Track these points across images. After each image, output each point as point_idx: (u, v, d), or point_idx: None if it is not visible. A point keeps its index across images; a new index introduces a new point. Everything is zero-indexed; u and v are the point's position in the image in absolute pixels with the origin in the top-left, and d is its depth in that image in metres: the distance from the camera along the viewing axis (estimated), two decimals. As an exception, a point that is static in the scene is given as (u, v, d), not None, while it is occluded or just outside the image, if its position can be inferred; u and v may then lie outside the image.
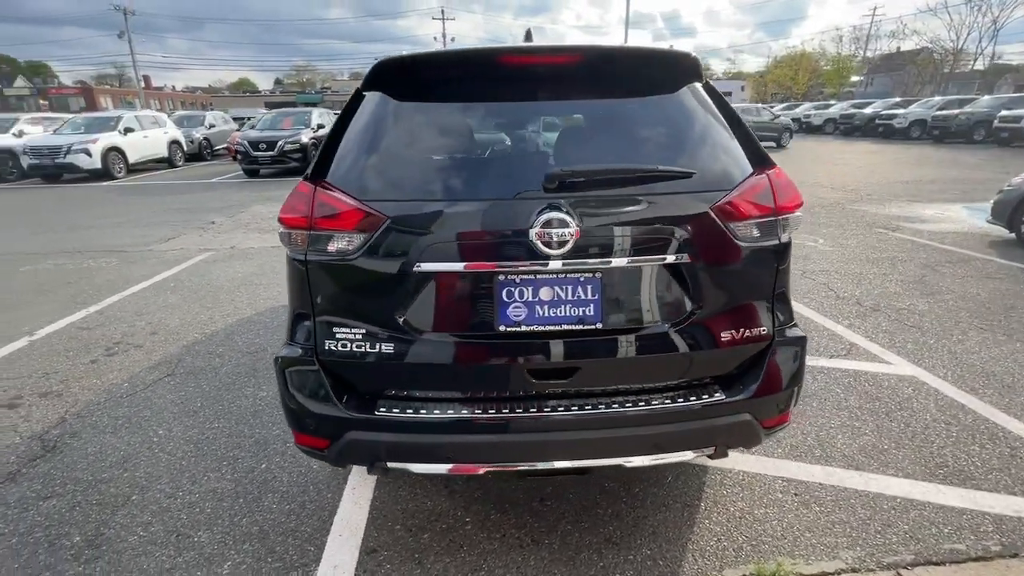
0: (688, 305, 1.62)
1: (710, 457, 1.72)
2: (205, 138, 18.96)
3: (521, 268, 1.53)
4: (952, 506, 2.14)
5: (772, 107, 28.31)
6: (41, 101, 50.48)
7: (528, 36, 2.39)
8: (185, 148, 17.31)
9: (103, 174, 13.87)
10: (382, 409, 1.61)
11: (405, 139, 1.67)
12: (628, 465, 1.64)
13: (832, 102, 34.38)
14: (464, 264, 1.54)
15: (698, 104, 1.74)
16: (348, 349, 1.61)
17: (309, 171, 1.66)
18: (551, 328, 1.57)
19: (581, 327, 1.58)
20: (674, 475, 2.36)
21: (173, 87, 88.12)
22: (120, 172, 14.37)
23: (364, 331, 1.60)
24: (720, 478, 2.35)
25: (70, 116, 17.35)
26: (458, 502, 2.25)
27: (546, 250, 1.49)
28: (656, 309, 1.63)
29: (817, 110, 30.62)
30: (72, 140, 13.57)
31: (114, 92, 61.04)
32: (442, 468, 1.63)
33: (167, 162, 16.37)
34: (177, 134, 17.01)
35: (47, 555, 2.00)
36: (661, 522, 2.11)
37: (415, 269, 1.53)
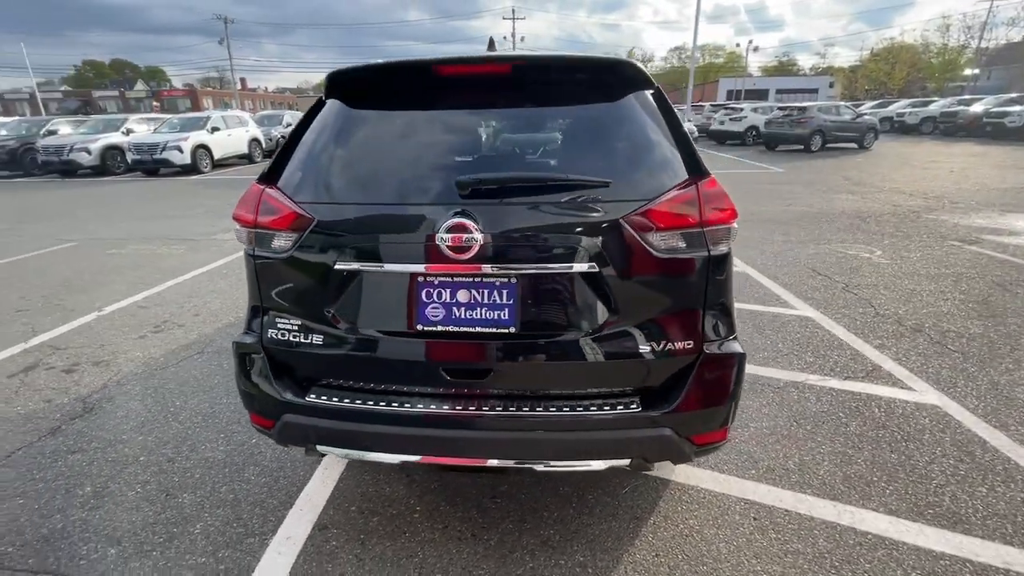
0: (605, 315, 1.61)
1: (629, 468, 1.69)
2: (282, 136, 20.44)
3: (432, 271, 1.60)
4: (929, 549, 1.95)
5: (858, 105, 26.05)
6: (154, 103, 56.65)
7: (491, 46, 2.43)
8: (263, 145, 18.79)
9: (192, 169, 15.39)
10: (312, 396, 1.74)
11: (345, 145, 1.78)
12: (538, 468, 1.66)
13: (934, 98, 31.03)
14: (379, 265, 1.63)
15: (640, 113, 1.71)
16: (286, 339, 1.76)
17: (264, 172, 1.82)
18: (466, 330, 1.63)
19: (495, 331, 1.62)
20: (632, 486, 2.32)
21: (265, 88, 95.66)
22: (206, 167, 15.88)
23: (299, 323, 1.74)
24: (679, 494, 2.28)
25: (168, 116, 19.38)
26: (414, 491, 2.35)
27: (453, 255, 1.55)
28: (572, 317, 1.63)
29: (914, 107, 27.82)
30: (168, 138, 15.20)
31: (215, 94, 67.15)
32: (364, 455, 1.74)
33: (247, 158, 17.86)
34: (257, 132, 18.50)
35: (62, 500, 2.33)
36: (604, 531, 2.09)
37: (336, 267, 1.64)
